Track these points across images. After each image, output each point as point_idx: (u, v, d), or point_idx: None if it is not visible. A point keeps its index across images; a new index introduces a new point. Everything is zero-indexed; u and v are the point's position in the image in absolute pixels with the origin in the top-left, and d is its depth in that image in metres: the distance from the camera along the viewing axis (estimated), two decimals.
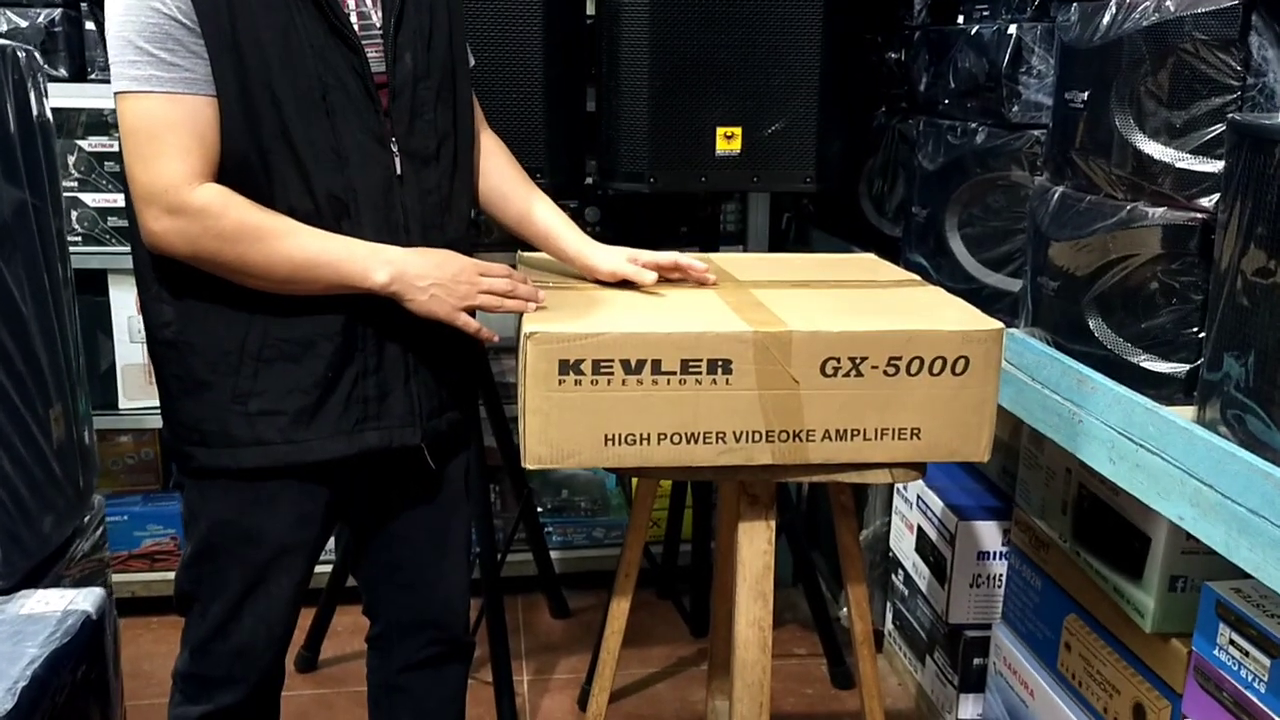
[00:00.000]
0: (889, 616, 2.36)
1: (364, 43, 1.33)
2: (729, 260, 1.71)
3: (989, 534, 1.99)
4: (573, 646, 2.42)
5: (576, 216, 2.53)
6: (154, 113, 1.23)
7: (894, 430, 1.36)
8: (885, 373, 1.34)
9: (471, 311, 1.35)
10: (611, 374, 1.30)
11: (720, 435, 1.34)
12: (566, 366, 1.29)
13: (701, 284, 1.51)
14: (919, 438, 1.37)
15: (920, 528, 2.15)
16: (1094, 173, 1.48)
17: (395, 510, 1.52)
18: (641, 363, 1.30)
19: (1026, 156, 1.74)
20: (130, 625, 2.48)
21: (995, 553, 1.99)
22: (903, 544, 2.26)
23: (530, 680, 2.30)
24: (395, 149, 1.35)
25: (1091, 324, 1.47)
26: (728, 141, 1.94)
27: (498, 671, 2.09)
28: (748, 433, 1.34)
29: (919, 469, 1.41)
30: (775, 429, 1.34)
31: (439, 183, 1.40)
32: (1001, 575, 2.00)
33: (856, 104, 2.33)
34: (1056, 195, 1.56)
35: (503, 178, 1.55)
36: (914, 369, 1.34)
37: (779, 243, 2.60)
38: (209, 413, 1.36)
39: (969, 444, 1.38)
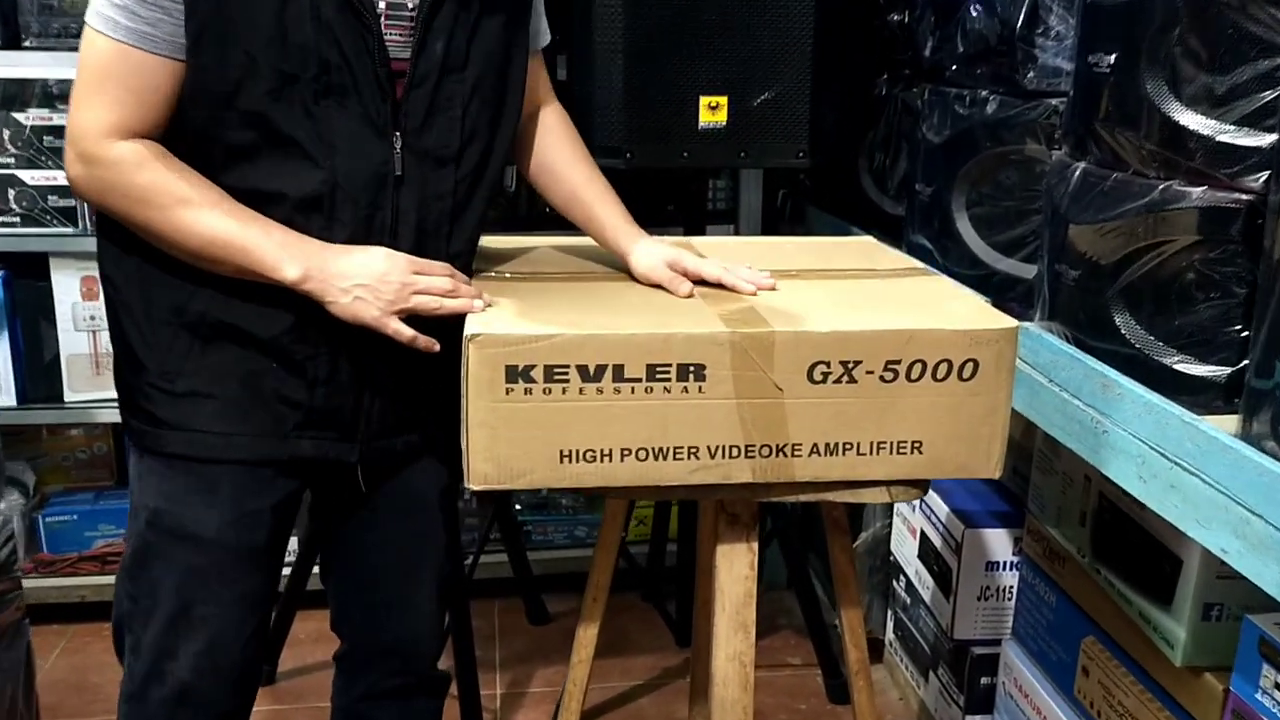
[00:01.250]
0: (889, 625, 2.19)
1: (388, 23, 1.18)
2: (711, 245, 1.54)
3: (998, 543, 1.82)
4: (551, 656, 2.26)
5: None
6: (103, 57, 1.14)
7: (892, 444, 1.19)
8: (882, 378, 1.17)
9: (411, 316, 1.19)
10: (567, 381, 1.13)
11: (693, 451, 1.17)
12: (514, 373, 1.12)
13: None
14: (921, 452, 1.20)
15: (923, 533, 1.98)
16: (1121, 147, 1.30)
17: (366, 522, 1.38)
18: (601, 368, 1.13)
19: (1043, 128, 1.56)
20: (80, 633, 2.33)
21: (1005, 563, 1.83)
22: (904, 549, 2.09)
23: (504, 694, 2.14)
24: (398, 145, 1.20)
25: (1118, 319, 1.29)
26: (712, 112, 1.76)
27: (464, 687, 1.93)
28: (724, 447, 1.17)
29: (921, 486, 1.24)
30: (756, 443, 1.17)
31: (453, 188, 1.25)
32: (1012, 588, 1.83)
33: (855, 71, 2.14)
34: (1078, 172, 1.38)
35: (559, 154, 1.42)
36: (915, 374, 1.17)
37: (773, 222, 2.43)
38: (141, 386, 1.25)
39: (978, 458, 1.21)
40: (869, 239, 1.66)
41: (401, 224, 1.22)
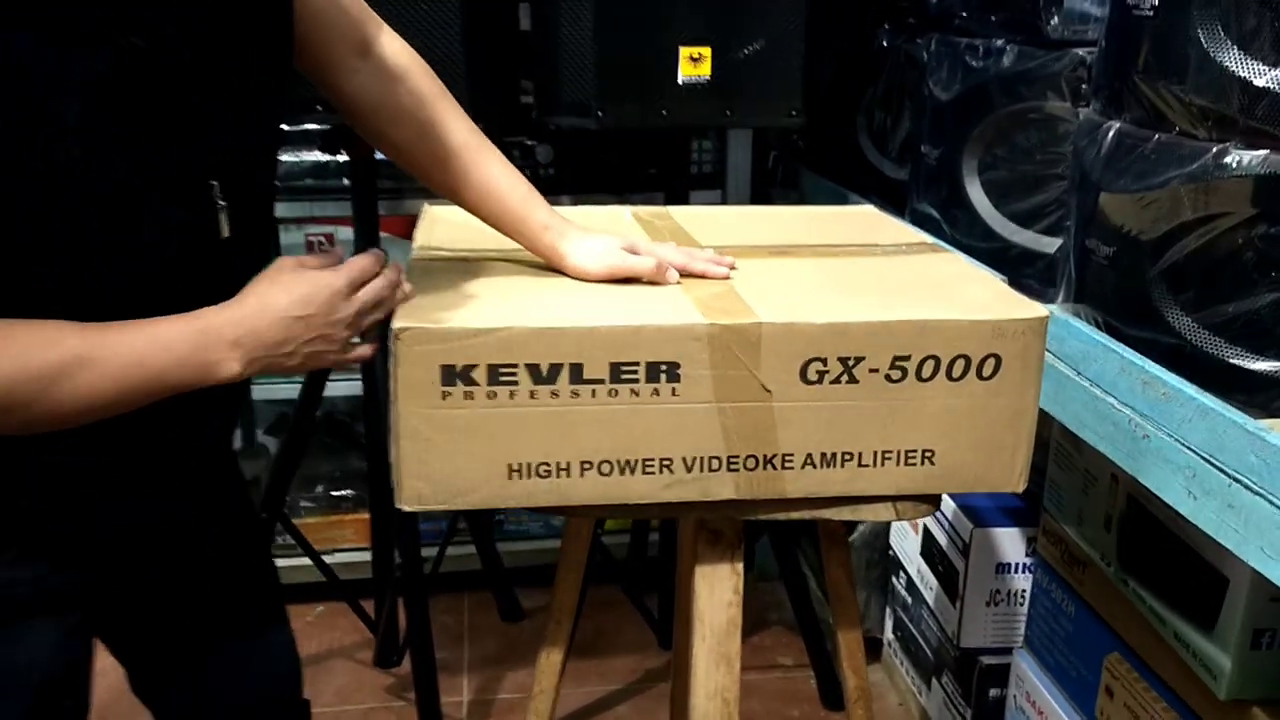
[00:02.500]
0: (889, 624, 2.03)
1: None
2: (691, 217, 1.35)
3: (1010, 543, 1.66)
4: (526, 656, 2.10)
5: (527, 158, 2.17)
6: None
7: (900, 453, 1.02)
8: (888, 378, 0.99)
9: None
10: (515, 384, 0.95)
11: (666, 463, 0.99)
12: (453, 374, 0.94)
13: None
14: (933, 463, 1.03)
15: (927, 529, 1.82)
16: (1165, 102, 1.12)
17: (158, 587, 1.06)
18: (556, 368, 0.95)
19: (1069, 82, 1.37)
20: None
21: (1017, 565, 1.66)
22: (905, 544, 1.92)
23: (471, 701, 1.98)
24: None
25: (1160, 305, 1.12)
26: (694, 65, 1.57)
27: (422, 697, 1.76)
28: (703, 459, 1.00)
29: (932, 502, 1.07)
30: (740, 454, 1.00)
31: None
32: (1024, 592, 1.67)
33: (853, 19, 1.95)
34: (1112, 133, 1.20)
35: (425, 112, 1.06)
36: (927, 372, 0.99)
37: (764, 187, 2.24)
38: None
39: (998, 470, 1.04)
40: (870, 208, 1.47)
41: None
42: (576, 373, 0.95)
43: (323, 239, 2.16)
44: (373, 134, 1.07)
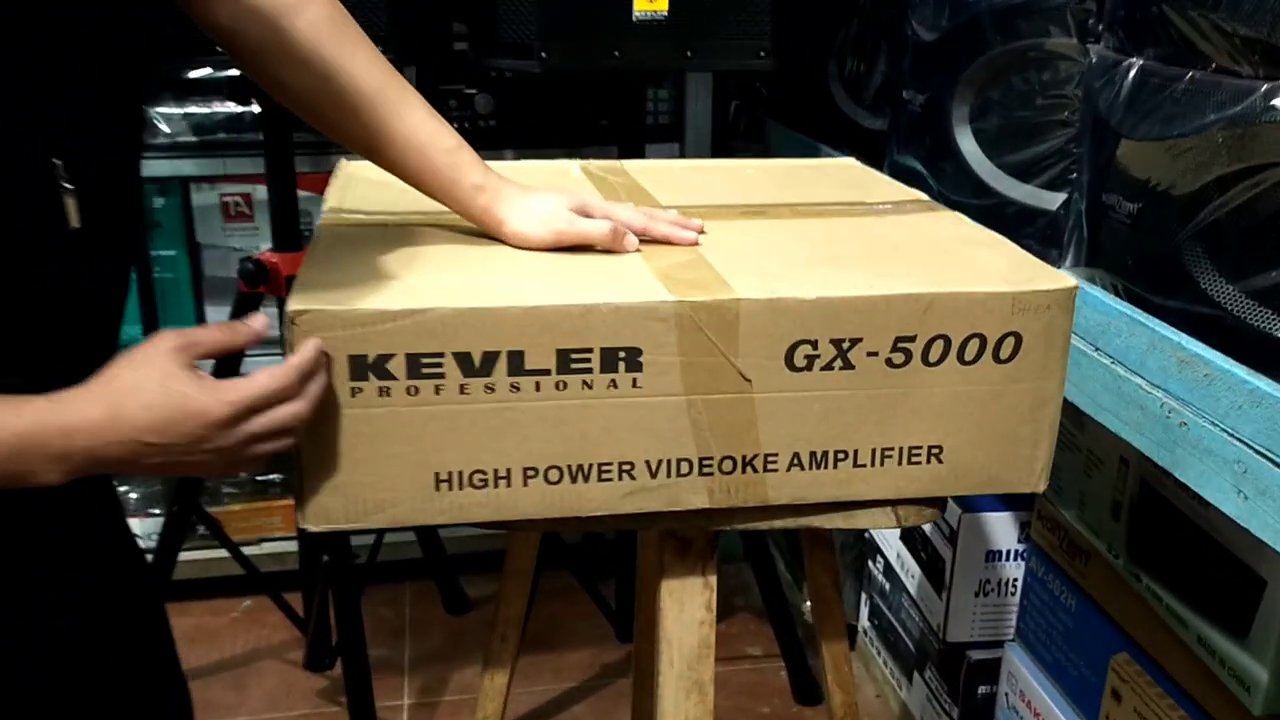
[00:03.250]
0: (864, 612, 1.89)
1: None
2: (649, 172, 1.18)
3: (1002, 529, 1.51)
4: (472, 652, 1.93)
5: (465, 109, 1.98)
6: None
7: (902, 451, 0.86)
8: (889, 362, 0.83)
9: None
10: (442, 377, 0.78)
11: (626, 468, 0.83)
12: (364, 367, 0.77)
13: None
14: (940, 460, 0.87)
15: None
16: (1201, 34, 0.96)
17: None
18: (492, 357, 0.78)
19: (1074, 15, 1.21)
20: None
21: (1009, 552, 1.52)
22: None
23: (413, 704, 1.82)
24: None
25: (1194, 270, 0.96)
26: (650, 0, 1.39)
27: (355, 701, 1.60)
28: (670, 462, 0.83)
29: (938, 505, 0.91)
30: (715, 455, 0.84)
31: None
32: (1016, 581, 1.53)
33: None
34: (1134, 71, 1.04)
35: (331, 49, 0.86)
36: (934, 355, 0.84)
37: (725, 140, 2.07)
38: None
39: (1016, 468, 0.89)
40: (851, 161, 1.31)
41: None
42: (516, 362, 0.78)
43: (239, 199, 1.96)
44: (264, 77, 0.88)
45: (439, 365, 0.78)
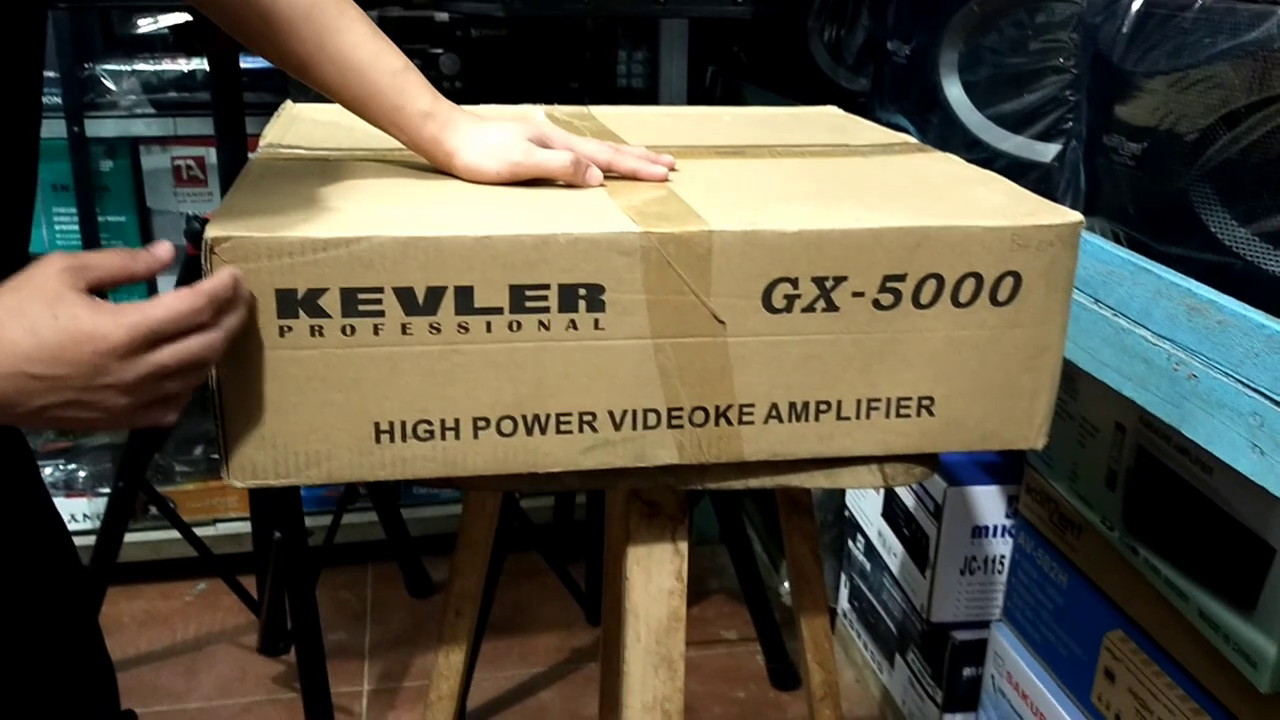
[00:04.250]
0: (844, 594, 1.82)
1: None
2: (618, 117, 1.10)
3: (989, 503, 1.45)
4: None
5: (429, 69, 1.90)
6: None
7: (890, 402, 0.79)
8: (877, 303, 0.76)
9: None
10: (381, 315, 0.70)
11: (587, 419, 0.75)
12: (293, 302, 0.69)
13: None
14: (931, 413, 0.80)
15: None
16: None
17: None
18: (437, 293, 0.70)
19: None
20: None
21: (996, 528, 1.45)
22: (864, 504, 1.71)
23: (373, 690, 1.74)
24: None
25: (1203, 213, 0.90)
26: None
27: (309, 690, 1.51)
28: (635, 413, 0.76)
29: (928, 463, 0.84)
30: (685, 406, 0.76)
31: None
32: (1003, 558, 1.46)
33: None
34: (1136, 3, 0.97)
35: None
36: (926, 297, 0.76)
37: (701, 104, 1.99)
38: None
39: (1014, 422, 0.82)
40: (833, 109, 1.23)
41: None
42: (465, 299, 0.70)
43: (191, 162, 1.87)
44: None
45: (378, 302, 0.70)
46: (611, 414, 0.75)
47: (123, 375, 0.60)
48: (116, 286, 0.63)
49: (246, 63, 1.72)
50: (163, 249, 0.65)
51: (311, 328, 0.69)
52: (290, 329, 0.69)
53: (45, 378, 0.59)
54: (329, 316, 0.69)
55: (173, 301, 0.62)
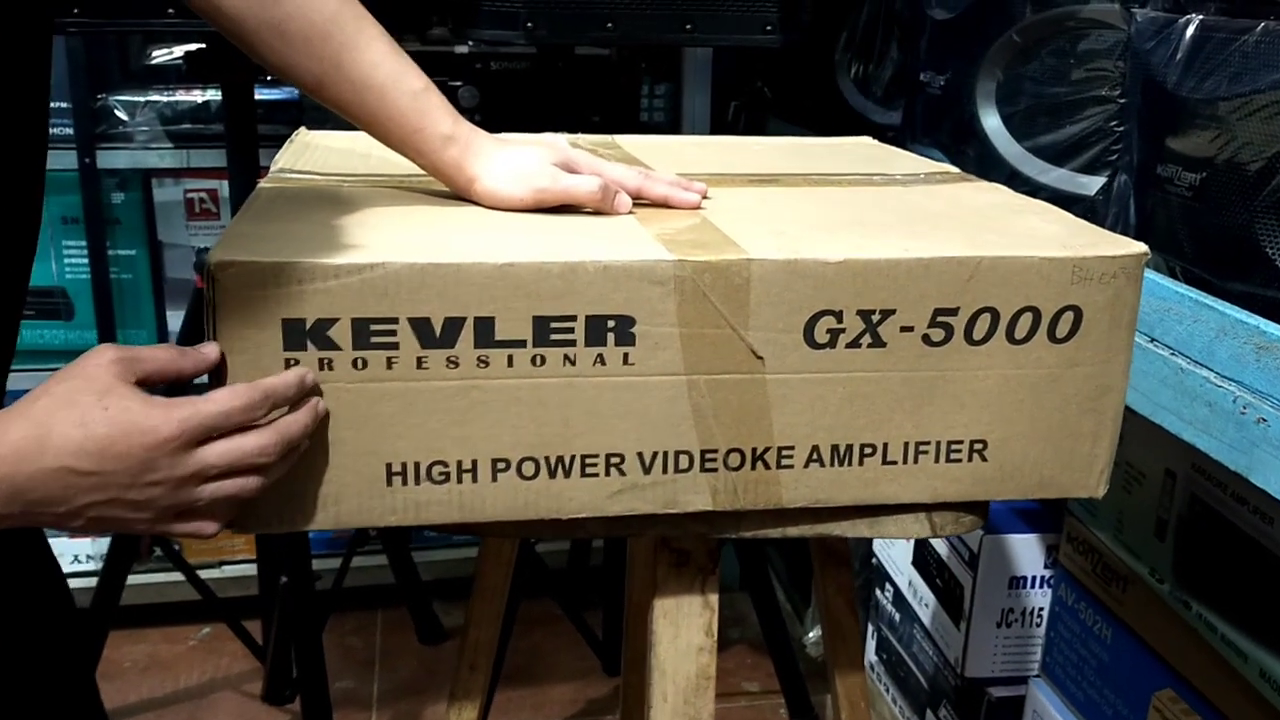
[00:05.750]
0: (871, 644, 1.76)
1: None
2: (645, 147, 1.06)
3: (1026, 552, 1.38)
4: (449, 684, 1.79)
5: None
6: None
7: (940, 446, 0.73)
8: (927, 339, 0.70)
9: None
10: (395, 348, 0.65)
11: (615, 461, 0.70)
12: (300, 334, 0.64)
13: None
14: (984, 457, 0.74)
15: None
16: None
17: None
18: (455, 324, 0.65)
19: None
20: None
21: (1035, 578, 1.39)
22: (893, 551, 1.65)
23: None
24: None
25: (1269, 247, 0.84)
26: None
27: None
28: (667, 456, 0.70)
29: (979, 511, 0.78)
30: (720, 447, 0.71)
31: None
32: (1041, 610, 1.40)
33: None
34: (1191, 28, 0.92)
35: None
36: (980, 332, 0.71)
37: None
38: None
39: (1074, 468, 0.76)
40: (868, 139, 1.19)
41: None
42: (485, 331, 0.65)
43: (204, 195, 1.83)
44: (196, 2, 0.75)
45: (392, 333, 0.65)
46: (641, 456, 0.70)
47: (169, 473, 0.57)
48: (165, 383, 0.60)
49: (261, 94, 1.69)
50: (210, 350, 0.62)
51: (320, 361, 0.64)
52: (297, 362, 0.64)
53: (90, 474, 0.55)
54: (339, 349, 0.64)
55: (227, 397, 0.59)
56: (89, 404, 0.56)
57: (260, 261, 0.62)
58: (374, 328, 0.64)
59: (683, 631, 0.81)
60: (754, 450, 0.71)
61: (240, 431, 0.60)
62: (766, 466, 0.72)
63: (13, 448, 0.55)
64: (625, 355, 0.67)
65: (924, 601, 1.54)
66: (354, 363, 0.65)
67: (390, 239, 0.68)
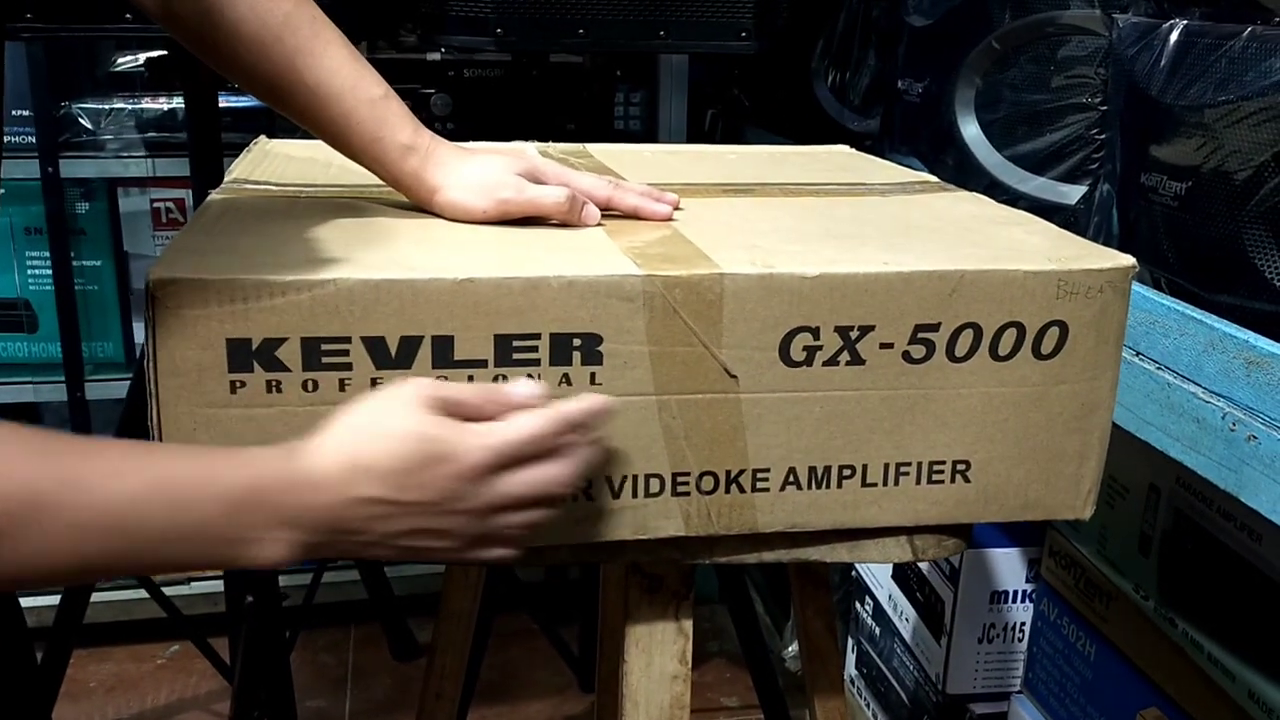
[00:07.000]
0: (851, 659, 1.73)
1: None
2: (617, 155, 1.03)
3: (1008, 566, 1.36)
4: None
5: (420, 109, 1.83)
6: None
7: (921, 467, 0.70)
8: (907, 356, 0.68)
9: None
10: (349, 369, 0.62)
11: (581, 485, 0.67)
12: (247, 355, 0.61)
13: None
14: (967, 479, 0.71)
15: None
16: None
17: None
18: (412, 343, 0.62)
19: None
20: None
21: (1017, 593, 1.36)
22: (873, 565, 1.62)
23: None
24: None
25: (1258, 258, 0.82)
26: None
27: None
28: (637, 480, 0.67)
29: (961, 535, 0.75)
30: (692, 470, 0.68)
31: None
32: (1023, 625, 1.37)
33: None
34: (1176, 33, 0.90)
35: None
36: (961, 349, 0.68)
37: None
38: None
39: (1059, 488, 0.73)
40: (844, 148, 1.16)
41: None
42: (443, 351, 0.62)
43: (171, 205, 1.79)
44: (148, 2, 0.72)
45: (344, 353, 0.61)
46: (609, 480, 0.67)
47: (474, 502, 0.56)
48: (474, 418, 0.58)
49: (229, 101, 1.65)
50: (521, 389, 0.60)
51: (268, 383, 0.61)
52: (243, 384, 0.61)
53: (396, 504, 0.54)
54: (288, 370, 0.61)
55: (533, 424, 0.57)
56: (399, 432, 0.55)
57: (203, 279, 0.59)
58: (325, 348, 0.61)
59: (656, 659, 0.78)
60: (728, 473, 0.68)
61: (538, 459, 0.58)
62: (741, 490, 0.69)
63: (323, 476, 0.53)
64: (592, 375, 0.64)
65: (904, 616, 1.51)
66: (304, 385, 0.62)
67: (343, 253, 0.65)
